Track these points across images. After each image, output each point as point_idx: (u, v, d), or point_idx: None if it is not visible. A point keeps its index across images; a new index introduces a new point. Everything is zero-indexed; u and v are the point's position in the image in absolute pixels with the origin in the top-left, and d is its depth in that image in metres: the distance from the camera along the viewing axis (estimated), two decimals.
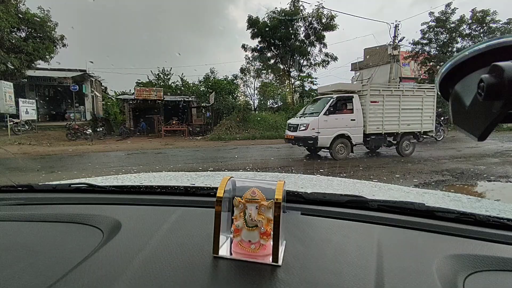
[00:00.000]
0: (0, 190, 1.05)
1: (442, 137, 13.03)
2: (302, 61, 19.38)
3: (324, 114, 8.31)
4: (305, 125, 8.36)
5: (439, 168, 6.93)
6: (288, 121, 9.82)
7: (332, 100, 8.47)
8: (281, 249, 0.57)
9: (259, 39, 18.94)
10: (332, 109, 8.39)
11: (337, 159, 8.29)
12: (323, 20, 17.94)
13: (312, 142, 8.25)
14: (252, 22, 18.33)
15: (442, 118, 13.31)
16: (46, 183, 1.10)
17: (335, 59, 19.34)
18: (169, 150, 11.46)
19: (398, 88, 9.65)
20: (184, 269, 0.54)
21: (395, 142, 9.18)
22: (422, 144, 12.30)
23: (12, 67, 12.82)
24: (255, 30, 18.47)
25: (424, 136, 9.83)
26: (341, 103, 8.64)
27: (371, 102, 8.62)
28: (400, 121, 8.98)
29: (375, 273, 0.53)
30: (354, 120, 8.54)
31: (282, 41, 18.57)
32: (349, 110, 8.62)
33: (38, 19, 14.20)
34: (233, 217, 0.59)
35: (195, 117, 20.05)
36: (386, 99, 8.78)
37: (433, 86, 9.76)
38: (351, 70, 32.77)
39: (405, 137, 9.18)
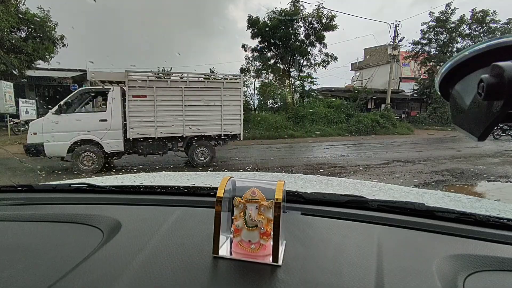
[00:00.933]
0: (0, 190, 1.05)
1: None
2: (302, 61, 19.34)
3: (53, 113, 6.07)
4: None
5: (439, 168, 6.93)
6: None
7: (73, 94, 6.41)
8: (281, 249, 0.57)
9: (259, 39, 18.88)
10: (68, 106, 6.23)
11: (81, 173, 6.28)
12: (323, 20, 17.90)
13: (37, 150, 6.01)
14: (252, 22, 18.29)
15: None
16: (46, 183, 1.10)
17: (335, 59, 19.28)
18: None
19: (179, 78, 7.20)
20: (184, 269, 0.54)
21: (183, 148, 7.22)
22: (496, 141, 11.77)
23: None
24: (255, 30, 18.42)
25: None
26: (88, 98, 6.64)
27: (134, 96, 6.56)
28: (185, 121, 6.91)
29: (375, 273, 0.53)
30: (105, 120, 6.35)
31: (282, 41, 18.53)
32: (101, 108, 6.60)
33: (38, 19, 14.17)
34: (233, 217, 0.59)
35: None
36: (158, 92, 6.69)
37: (236, 77, 8.03)
38: (351, 70, 32.90)
39: (199, 142, 7.17)
